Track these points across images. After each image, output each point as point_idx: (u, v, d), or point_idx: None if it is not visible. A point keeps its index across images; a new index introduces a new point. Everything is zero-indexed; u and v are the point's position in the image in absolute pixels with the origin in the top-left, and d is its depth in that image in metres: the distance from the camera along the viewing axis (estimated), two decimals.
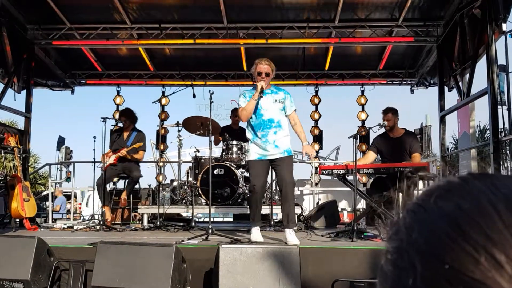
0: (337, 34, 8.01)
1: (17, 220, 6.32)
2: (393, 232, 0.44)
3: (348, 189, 6.19)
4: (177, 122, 6.63)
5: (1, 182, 7.84)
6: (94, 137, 6.46)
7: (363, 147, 9.52)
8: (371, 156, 6.03)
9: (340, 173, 5.41)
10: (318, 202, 8.63)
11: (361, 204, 7.45)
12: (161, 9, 7.79)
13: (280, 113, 4.66)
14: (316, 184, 9.31)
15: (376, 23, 7.92)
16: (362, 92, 9.96)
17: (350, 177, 5.58)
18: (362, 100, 9.89)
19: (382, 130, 5.88)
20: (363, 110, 9.90)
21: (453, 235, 0.38)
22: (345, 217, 8.40)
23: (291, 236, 4.37)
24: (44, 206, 11.03)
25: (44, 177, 17.34)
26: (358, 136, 5.29)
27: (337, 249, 4.18)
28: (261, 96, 4.58)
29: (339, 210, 7.96)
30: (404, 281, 0.39)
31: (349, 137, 5.30)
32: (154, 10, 7.83)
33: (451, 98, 8.17)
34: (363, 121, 9.85)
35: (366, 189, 7.80)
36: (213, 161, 6.20)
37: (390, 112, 5.91)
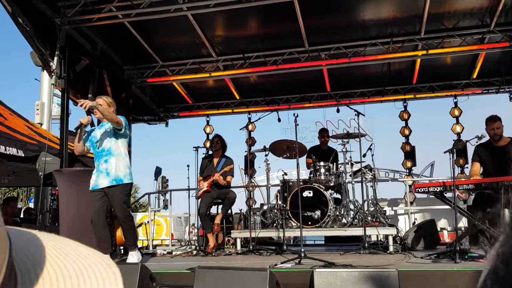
0: (423, 46, 7.74)
1: (122, 247, 6.75)
2: (506, 250, 0.40)
3: (447, 207, 5.83)
4: (264, 146, 6.76)
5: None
6: (188, 166, 6.77)
7: (461, 161, 8.95)
8: (478, 167, 5.63)
9: (437, 190, 5.12)
10: (414, 222, 8.21)
11: (463, 223, 6.96)
12: (244, 40, 8.10)
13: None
14: (411, 203, 8.89)
15: (465, 31, 7.55)
16: (455, 103, 9.44)
17: (448, 194, 5.26)
18: (456, 112, 9.37)
19: (483, 140, 5.45)
20: (457, 122, 9.35)
21: None
22: (446, 237, 7.91)
23: (131, 258, 4.90)
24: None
25: (144, 206, 18.45)
26: (455, 150, 5.00)
27: (439, 272, 3.92)
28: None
29: (438, 229, 7.50)
30: None
31: (444, 152, 5.02)
32: (238, 42, 8.16)
33: None
34: (458, 134, 9.30)
35: (467, 206, 7.29)
36: (301, 183, 6.19)
37: (499, 120, 5.52)
